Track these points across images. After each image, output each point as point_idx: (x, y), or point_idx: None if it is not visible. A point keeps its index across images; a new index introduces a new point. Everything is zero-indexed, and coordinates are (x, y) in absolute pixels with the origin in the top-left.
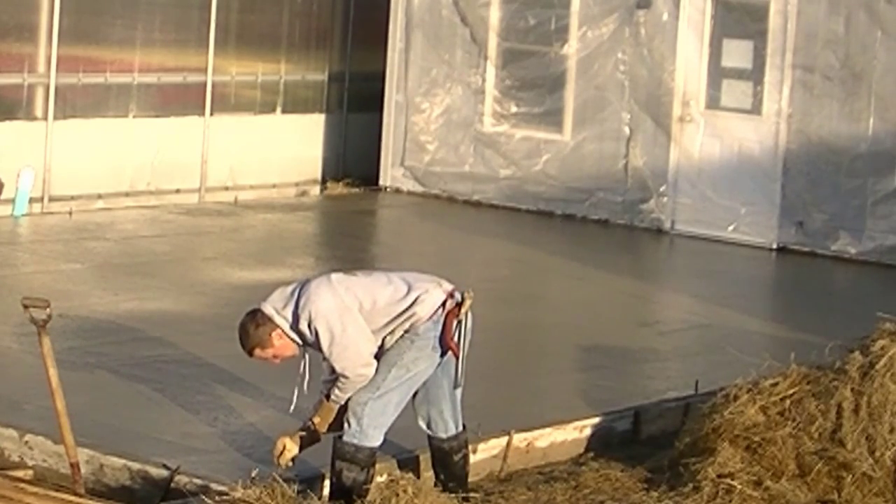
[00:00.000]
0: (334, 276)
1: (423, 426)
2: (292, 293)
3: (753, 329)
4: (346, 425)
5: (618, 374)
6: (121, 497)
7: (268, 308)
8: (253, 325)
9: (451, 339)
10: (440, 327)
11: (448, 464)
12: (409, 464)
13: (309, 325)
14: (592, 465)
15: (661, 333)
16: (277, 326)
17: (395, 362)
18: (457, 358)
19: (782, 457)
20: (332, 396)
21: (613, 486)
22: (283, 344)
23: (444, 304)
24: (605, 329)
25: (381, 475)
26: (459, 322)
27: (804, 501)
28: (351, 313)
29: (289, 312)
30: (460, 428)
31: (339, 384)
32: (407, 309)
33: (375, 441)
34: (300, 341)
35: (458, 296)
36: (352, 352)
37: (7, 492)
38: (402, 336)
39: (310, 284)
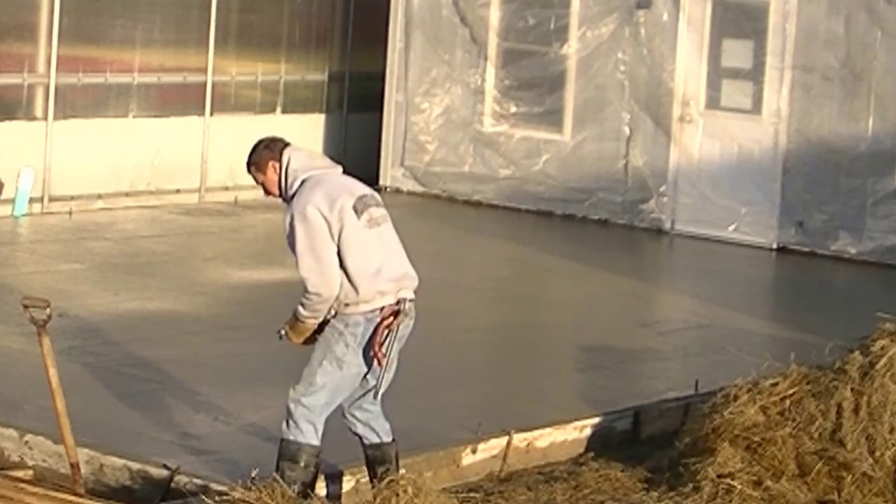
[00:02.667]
0: (357, 205)
1: (351, 429)
2: (305, 176)
3: (753, 329)
4: (283, 425)
5: (618, 374)
6: (121, 497)
7: (287, 149)
8: (264, 145)
9: (379, 346)
10: (371, 328)
11: (374, 473)
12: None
13: (291, 222)
14: (592, 465)
15: (661, 333)
16: (279, 162)
17: (325, 355)
18: (380, 367)
19: (782, 457)
20: (297, 313)
21: (613, 486)
22: (273, 179)
23: (382, 308)
24: (605, 329)
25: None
26: (391, 331)
27: (804, 501)
28: (330, 245)
29: (292, 177)
30: (385, 439)
31: (303, 300)
32: (358, 292)
33: (312, 438)
34: (283, 190)
35: (402, 305)
36: (325, 263)
37: (7, 492)
38: (334, 316)
39: (332, 185)
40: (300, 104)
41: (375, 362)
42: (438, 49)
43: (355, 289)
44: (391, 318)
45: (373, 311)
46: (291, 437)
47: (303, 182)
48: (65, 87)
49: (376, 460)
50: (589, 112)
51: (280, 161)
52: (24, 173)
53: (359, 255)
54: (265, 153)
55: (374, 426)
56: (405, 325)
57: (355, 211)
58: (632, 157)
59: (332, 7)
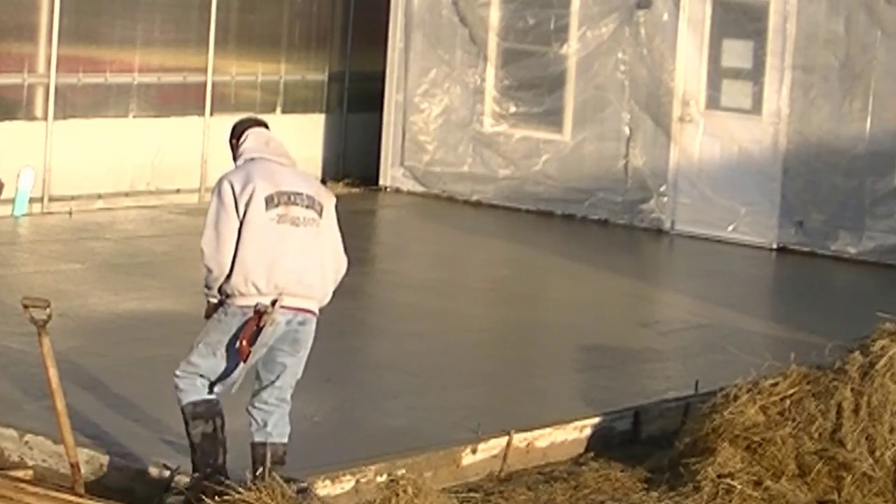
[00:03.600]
0: (274, 197)
1: (250, 423)
2: (250, 156)
3: (753, 329)
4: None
5: (618, 374)
6: (121, 497)
7: (251, 129)
8: (235, 124)
9: (247, 341)
10: (243, 321)
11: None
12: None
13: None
14: (592, 465)
15: (661, 333)
16: (240, 141)
17: (203, 339)
18: (243, 362)
19: (782, 457)
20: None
21: (613, 486)
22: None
23: (258, 304)
24: (605, 329)
25: (382, 475)
26: (260, 329)
27: (804, 501)
28: (232, 224)
29: (240, 154)
30: (274, 440)
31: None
32: (231, 279)
33: (196, 394)
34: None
35: (275, 305)
36: (222, 239)
37: (7, 492)
38: (221, 301)
39: (262, 171)
40: (300, 104)
41: (240, 355)
42: (438, 49)
43: (230, 276)
44: (257, 317)
45: (250, 307)
46: (183, 401)
47: (246, 161)
48: (65, 87)
49: (254, 459)
50: (589, 112)
51: (239, 139)
52: (24, 173)
53: (249, 243)
54: (232, 132)
55: (267, 422)
56: (294, 330)
57: (267, 202)
58: (632, 157)
59: (332, 7)
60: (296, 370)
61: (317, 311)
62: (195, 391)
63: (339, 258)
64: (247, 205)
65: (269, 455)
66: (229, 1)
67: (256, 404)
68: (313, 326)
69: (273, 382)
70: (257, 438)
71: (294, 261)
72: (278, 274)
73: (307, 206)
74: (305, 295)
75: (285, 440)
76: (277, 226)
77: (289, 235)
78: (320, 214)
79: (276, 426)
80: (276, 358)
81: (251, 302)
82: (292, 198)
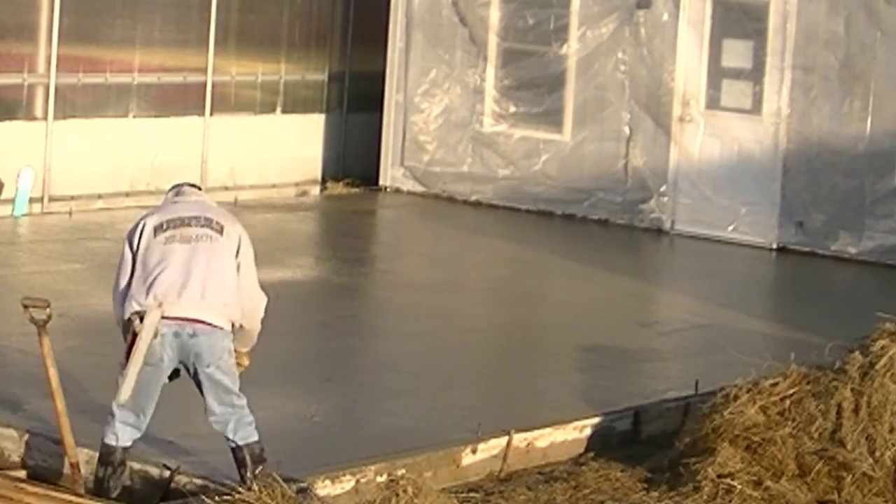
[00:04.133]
0: (163, 224)
1: None
2: (162, 204)
3: (753, 329)
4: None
5: (618, 374)
6: (121, 497)
7: (181, 187)
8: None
9: (129, 350)
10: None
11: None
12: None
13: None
14: (592, 465)
15: (661, 333)
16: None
17: (121, 371)
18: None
19: (782, 457)
20: None
21: (613, 486)
22: None
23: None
24: (605, 329)
25: (382, 475)
26: (135, 335)
27: (804, 501)
28: (129, 264)
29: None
30: (239, 442)
31: None
32: (130, 305)
33: (110, 439)
34: None
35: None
36: (122, 281)
37: (7, 492)
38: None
39: (161, 210)
40: (300, 104)
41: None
42: (438, 49)
43: (132, 309)
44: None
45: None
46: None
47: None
48: (65, 87)
49: (236, 462)
50: (589, 112)
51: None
52: (24, 173)
53: (138, 265)
54: None
55: (227, 431)
56: (187, 343)
57: (156, 229)
58: (632, 157)
59: (332, 7)
60: (220, 383)
61: (215, 323)
62: (108, 435)
63: (252, 289)
64: (139, 238)
65: (247, 457)
66: (229, 1)
67: (210, 419)
68: (214, 339)
69: (206, 400)
70: (229, 445)
71: (176, 271)
72: (157, 285)
73: (202, 226)
74: (191, 305)
75: (255, 438)
76: (164, 246)
77: (175, 251)
78: (220, 233)
79: (236, 431)
80: (198, 376)
81: (138, 314)
82: (186, 220)
